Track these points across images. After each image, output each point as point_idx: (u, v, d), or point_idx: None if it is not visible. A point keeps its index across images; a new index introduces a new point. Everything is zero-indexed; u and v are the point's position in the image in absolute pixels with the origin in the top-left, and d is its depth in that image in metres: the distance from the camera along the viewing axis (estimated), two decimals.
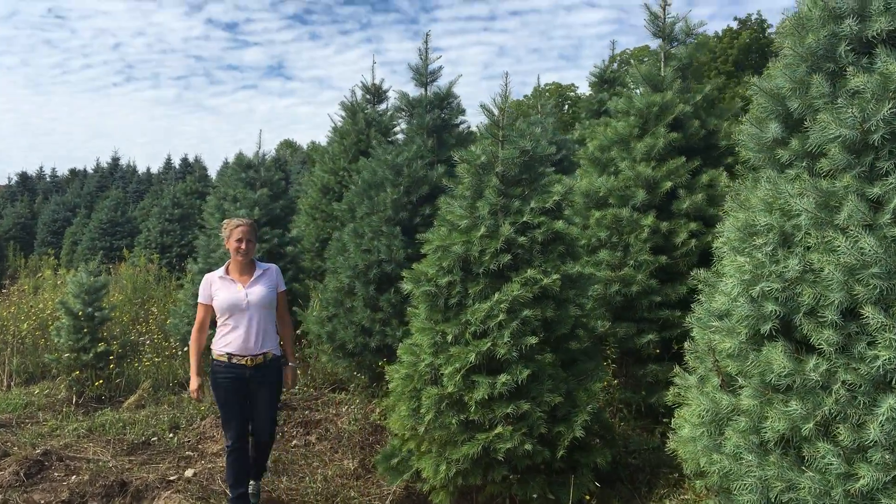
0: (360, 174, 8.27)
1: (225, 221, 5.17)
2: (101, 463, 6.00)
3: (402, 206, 7.51)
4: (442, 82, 8.29)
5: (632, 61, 6.69)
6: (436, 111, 7.91)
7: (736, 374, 3.45)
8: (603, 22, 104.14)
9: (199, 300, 5.07)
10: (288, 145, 70.50)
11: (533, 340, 4.46)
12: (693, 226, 5.88)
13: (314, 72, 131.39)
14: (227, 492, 5.14)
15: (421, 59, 8.23)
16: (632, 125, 6.39)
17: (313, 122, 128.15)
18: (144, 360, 8.84)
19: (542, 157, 4.99)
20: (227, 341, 4.91)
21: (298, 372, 8.16)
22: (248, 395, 4.97)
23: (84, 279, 8.50)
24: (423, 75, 8.18)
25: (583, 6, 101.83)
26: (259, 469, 5.26)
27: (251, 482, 5.17)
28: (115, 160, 40.49)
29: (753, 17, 56.35)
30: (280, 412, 7.12)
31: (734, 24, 55.12)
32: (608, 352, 5.95)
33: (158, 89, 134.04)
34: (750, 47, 46.58)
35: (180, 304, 9.86)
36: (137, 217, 27.56)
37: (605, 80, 11.93)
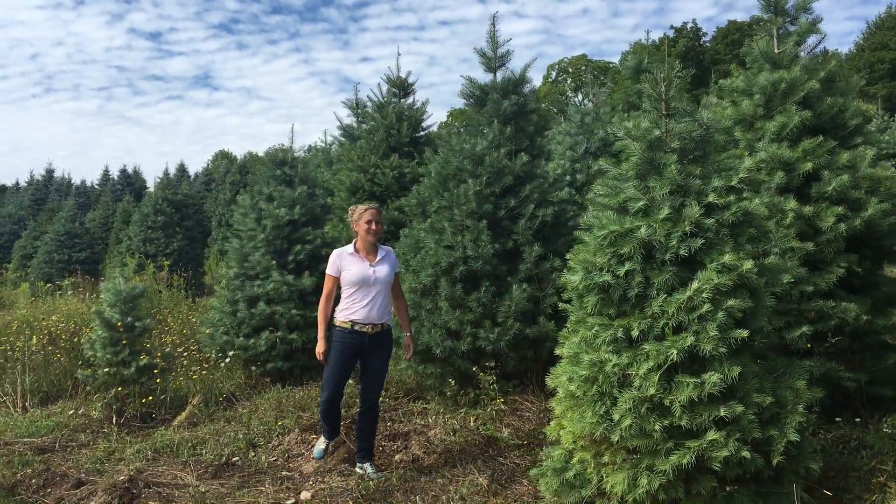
0: (426, 166, 7.70)
1: (352, 207, 5.76)
2: (191, 488, 5.30)
3: (484, 198, 6.94)
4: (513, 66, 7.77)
5: (751, 39, 6.26)
6: (512, 97, 7.37)
7: None
8: (531, 32, 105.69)
9: (329, 272, 5.61)
10: (224, 156, 69.15)
11: (743, 334, 3.95)
12: (839, 209, 5.46)
13: (242, 82, 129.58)
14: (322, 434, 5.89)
15: (489, 42, 7.69)
16: (756, 104, 5.96)
17: (241, 133, 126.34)
18: (191, 373, 8.08)
19: (715, 131, 4.51)
20: (353, 310, 5.46)
21: None
22: (363, 360, 5.55)
23: (121, 286, 7.72)
24: (493, 59, 7.65)
25: (511, 17, 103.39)
26: (368, 446, 5.60)
27: (367, 465, 5.53)
28: (50, 172, 39.85)
29: (689, 26, 57.74)
30: None
31: (670, 33, 56.51)
32: None
33: (80, 101, 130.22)
34: (686, 55, 47.28)
35: (214, 313, 9.12)
36: (91, 228, 26.43)
37: (641, 70, 11.58)
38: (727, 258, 4.08)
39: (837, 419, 5.37)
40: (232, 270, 9.05)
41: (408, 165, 10.48)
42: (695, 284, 4.03)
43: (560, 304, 4.74)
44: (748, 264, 4.10)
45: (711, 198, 4.24)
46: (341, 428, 5.96)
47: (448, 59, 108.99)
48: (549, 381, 4.57)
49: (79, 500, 5.15)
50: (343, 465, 5.64)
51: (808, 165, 5.55)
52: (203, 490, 5.27)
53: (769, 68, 6.04)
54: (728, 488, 3.94)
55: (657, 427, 3.93)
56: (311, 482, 5.34)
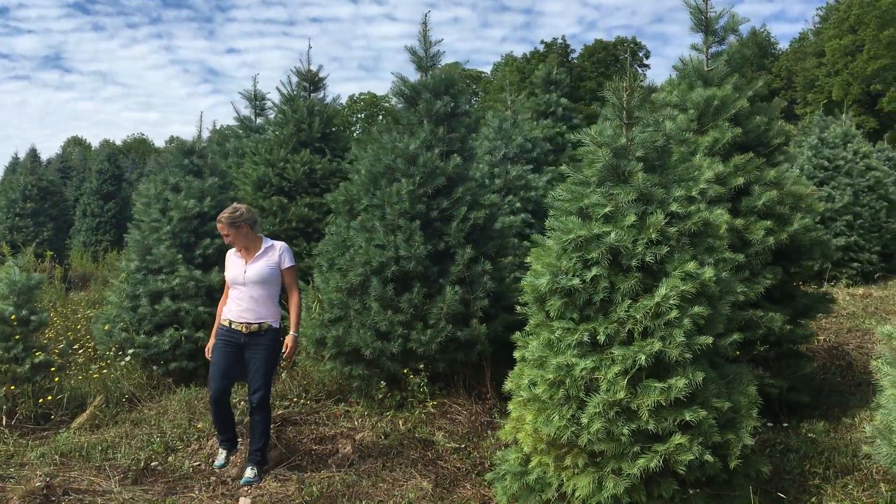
0: (354, 163, 7.52)
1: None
2: (114, 495, 4.92)
3: (417, 198, 6.85)
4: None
5: (688, 55, 6.51)
6: (444, 98, 7.32)
7: None
8: (402, 36, 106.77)
9: (225, 273, 5.70)
10: (77, 142, 65.42)
11: (708, 340, 4.09)
12: (767, 223, 5.74)
13: (97, 65, 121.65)
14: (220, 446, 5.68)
15: (420, 41, 7.62)
16: (689, 118, 6.18)
17: (94, 120, 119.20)
18: (90, 371, 7.53)
19: (674, 141, 4.64)
20: (230, 308, 5.52)
21: (291, 382, 7.31)
22: (245, 359, 5.47)
23: (16, 276, 7.10)
24: (424, 59, 7.58)
25: (383, 19, 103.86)
26: (254, 451, 5.36)
27: (248, 468, 5.32)
28: None
29: (558, 42, 59.86)
30: (285, 427, 6.26)
31: (541, 48, 58.33)
32: None
33: None
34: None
35: (111, 308, 8.55)
36: None
37: (551, 82, 11.80)
38: (690, 266, 4.19)
39: (770, 424, 5.63)
40: (133, 263, 8.50)
41: (319, 162, 10.21)
42: (662, 290, 4.12)
43: (520, 308, 4.71)
44: (709, 272, 4.24)
45: (674, 207, 4.36)
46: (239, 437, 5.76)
47: (318, 57, 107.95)
48: (508, 384, 4.55)
49: None
50: (278, 469, 5.40)
51: (740, 180, 5.80)
52: (128, 497, 4.91)
53: (701, 85, 6.28)
54: (691, 491, 4.04)
55: (625, 431, 3.98)
56: (246, 488, 5.08)
